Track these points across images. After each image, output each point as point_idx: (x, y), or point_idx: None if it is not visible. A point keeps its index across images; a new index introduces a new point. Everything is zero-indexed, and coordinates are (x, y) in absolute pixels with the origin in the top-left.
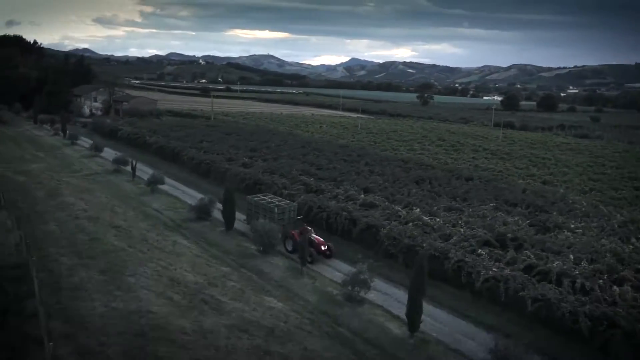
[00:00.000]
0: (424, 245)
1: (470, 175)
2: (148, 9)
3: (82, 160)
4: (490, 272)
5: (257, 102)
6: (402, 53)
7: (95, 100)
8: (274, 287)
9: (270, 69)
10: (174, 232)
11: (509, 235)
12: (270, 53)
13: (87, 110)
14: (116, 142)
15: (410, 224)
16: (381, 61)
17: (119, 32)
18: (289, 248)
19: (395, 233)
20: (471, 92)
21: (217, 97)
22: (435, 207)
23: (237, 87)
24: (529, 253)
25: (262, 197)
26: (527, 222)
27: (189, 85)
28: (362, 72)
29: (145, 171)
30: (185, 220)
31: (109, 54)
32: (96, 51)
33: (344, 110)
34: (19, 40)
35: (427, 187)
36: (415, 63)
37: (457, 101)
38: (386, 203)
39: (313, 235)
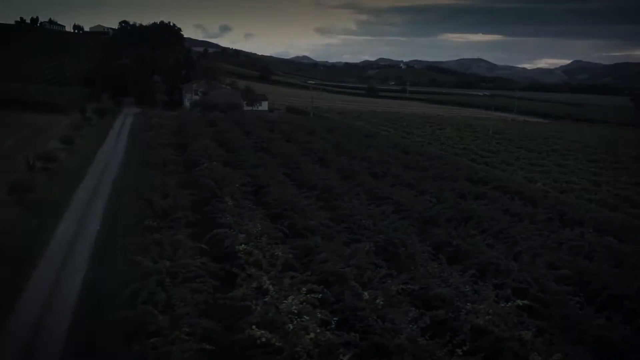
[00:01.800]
0: None
1: (581, 217)
2: (363, 17)
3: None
4: None
5: (421, 102)
6: None
7: (196, 93)
8: None
9: (479, 73)
10: None
11: None
12: (482, 57)
13: (187, 103)
14: None
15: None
16: (610, 63)
17: (336, 40)
18: None
19: None
20: None
21: (383, 96)
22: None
23: (407, 88)
24: None
25: None
26: None
27: (359, 85)
28: (584, 76)
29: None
30: None
31: (325, 60)
32: (314, 58)
33: (517, 113)
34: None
35: (457, 237)
36: None
37: None
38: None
39: None
